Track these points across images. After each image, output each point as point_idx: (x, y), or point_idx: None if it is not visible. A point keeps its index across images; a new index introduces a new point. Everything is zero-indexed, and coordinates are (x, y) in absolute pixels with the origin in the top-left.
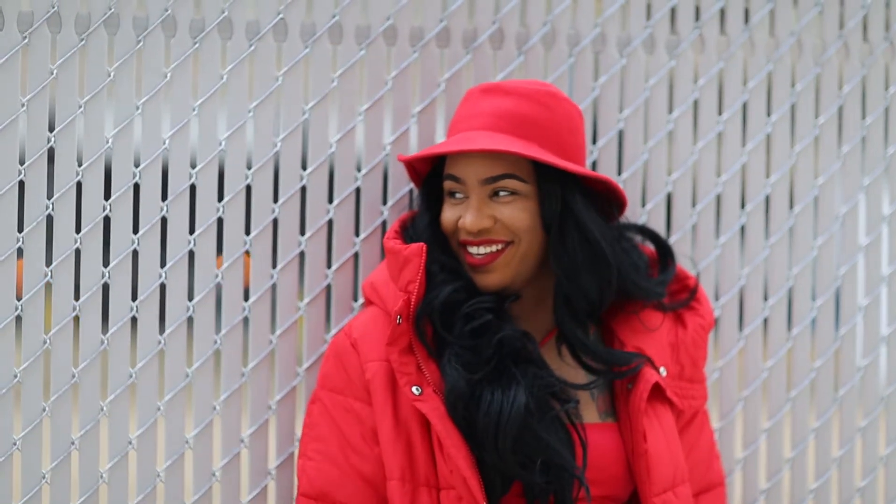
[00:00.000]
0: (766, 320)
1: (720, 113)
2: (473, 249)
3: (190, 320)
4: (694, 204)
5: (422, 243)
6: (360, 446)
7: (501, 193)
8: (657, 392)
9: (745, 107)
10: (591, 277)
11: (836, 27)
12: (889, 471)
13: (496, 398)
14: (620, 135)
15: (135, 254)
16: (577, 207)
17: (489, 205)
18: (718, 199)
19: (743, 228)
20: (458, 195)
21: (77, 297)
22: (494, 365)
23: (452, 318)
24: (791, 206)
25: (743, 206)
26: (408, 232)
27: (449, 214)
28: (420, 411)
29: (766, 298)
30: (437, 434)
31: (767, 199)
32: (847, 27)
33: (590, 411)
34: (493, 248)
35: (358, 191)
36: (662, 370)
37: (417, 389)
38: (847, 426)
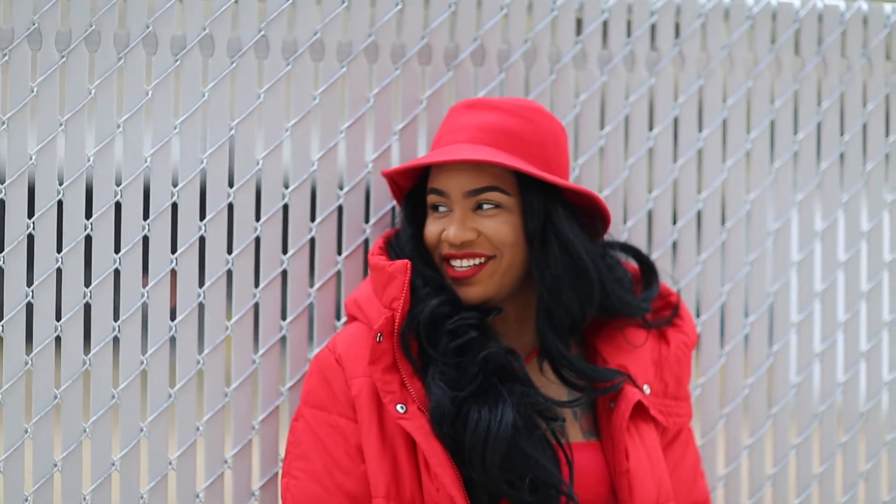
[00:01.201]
0: (746, 337)
1: (700, 130)
2: (456, 263)
3: (172, 340)
4: (675, 221)
5: (406, 260)
6: (345, 464)
7: (485, 206)
8: (640, 410)
9: (724, 124)
10: (573, 292)
11: (721, 39)
12: (870, 484)
13: (483, 416)
14: (601, 152)
15: (116, 273)
16: (560, 222)
17: (473, 218)
18: (699, 215)
19: (724, 245)
20: (441, 208)
21: (59, 318)
22: (480, 382)
23: (438, 333)
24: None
25: (723, 222)
26: (392, 248)
27: (432, 228)
28: (405, 429)
29: (746, 315)
30: (423, 453)
31: (748, 216)
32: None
33: (573, 430)
34: (476, 261)
35: (340, 209)
36: (646, 388)
37: (402, 407)
38: (810, 440)
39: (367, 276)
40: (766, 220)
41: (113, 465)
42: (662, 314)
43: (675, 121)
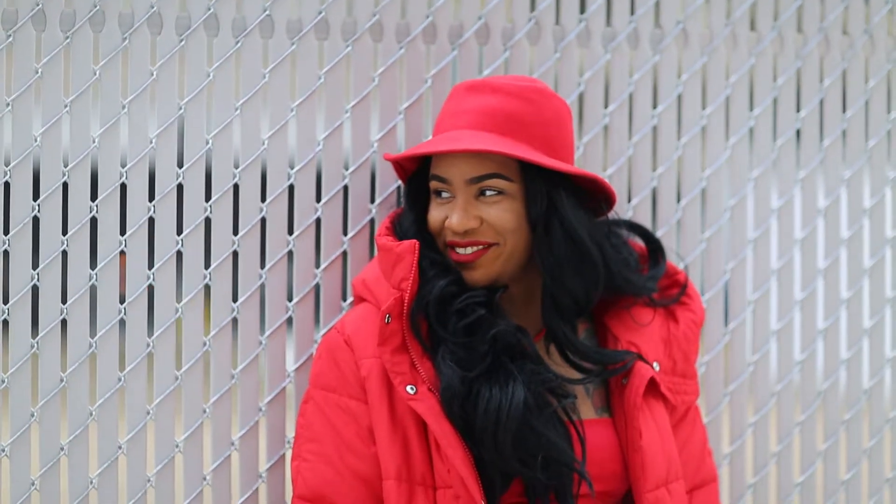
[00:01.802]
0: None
1: (704, 107)
2: (460, 250)
3: (178, 323)
4: (679, 199)
5: (414, 240)
6: (356, 445)
7: (488, 193)
8: (651, 387)
9: (727, 101)
10: (577, 277)
11: (724, 17)
12: (873, 462)
13: (494, 395)
14: (605, 130)
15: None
16: (563, 206)
17: (475, 205)
18: (703, 193)
19: (728, 222)
20: (444, 195)
21: (64, 301)
22: (490, 361)
23: (446, 313)
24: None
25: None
26: (397, 229)
27: (436, 214)
28: (415, 410)
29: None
30: (434, 433)
31: (753, 193)
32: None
33: (585, 407)
34: (479, 246)
35: (346, 189)
36: (655, 365)
37: (412, 388)
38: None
39: (374, 257)
40: (769, 197)
41: (119, 448)
42: (670, 292)
43: (679, 98)
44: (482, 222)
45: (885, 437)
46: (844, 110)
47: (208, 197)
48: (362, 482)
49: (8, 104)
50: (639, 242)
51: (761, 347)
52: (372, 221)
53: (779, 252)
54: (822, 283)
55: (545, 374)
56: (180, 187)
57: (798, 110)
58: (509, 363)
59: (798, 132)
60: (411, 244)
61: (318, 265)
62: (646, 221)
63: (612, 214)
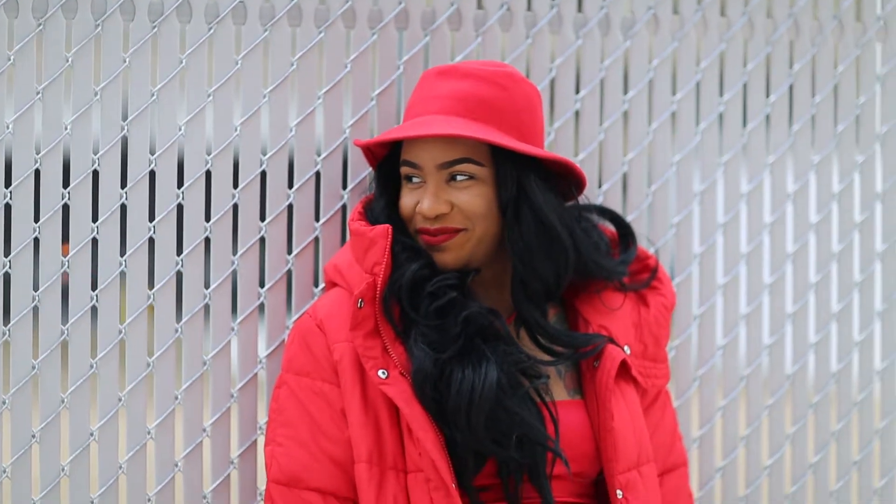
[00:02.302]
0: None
1: (674, 93)
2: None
3: (151, 309)
4: (649, 184)
5: (387, 225)
6: (330, 429)
7: (459, 178)
8: (623, 370)
9: (697, 86)
10: (547, 261)
11: (695, 2)
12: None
13: (467, 376)
14: (577, 115)
15: (93, 242)
16: (533, 191)
17: (446, 190)
18: (673, 178)
19: (699, 207)
20: (415, 180)
21: (36, 288)
22: (462, 343)
23: (419, 296)
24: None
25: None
26: (369, 215)
27: (407, 200)
28: (387, 395)
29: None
30: (405, 417)
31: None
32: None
33: (558, 388)
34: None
35: (318, 175)
36: (626, 349)
37: (384, 373)
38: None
39: (346, 242)
40: (739, 182)
41: (91, 435)
42: (640, 277)
43: (650, 84)
44: (453, 207)
45: (853, 420)
46: (814, 95)
47: (181, 184)
48: (337, 466)
49: None
50: (609, 227)
51: (731, 332)
52: (344, 207)
53: (748, 237)
54: (791, 268)
55: (517, 354)
56: (152, 174)
57: (768, 95)
58: (482, 344)
59: (768, 117)
60: (384, 229)
61: (290, 251)
62: (616, 206)
63: (582, 199)
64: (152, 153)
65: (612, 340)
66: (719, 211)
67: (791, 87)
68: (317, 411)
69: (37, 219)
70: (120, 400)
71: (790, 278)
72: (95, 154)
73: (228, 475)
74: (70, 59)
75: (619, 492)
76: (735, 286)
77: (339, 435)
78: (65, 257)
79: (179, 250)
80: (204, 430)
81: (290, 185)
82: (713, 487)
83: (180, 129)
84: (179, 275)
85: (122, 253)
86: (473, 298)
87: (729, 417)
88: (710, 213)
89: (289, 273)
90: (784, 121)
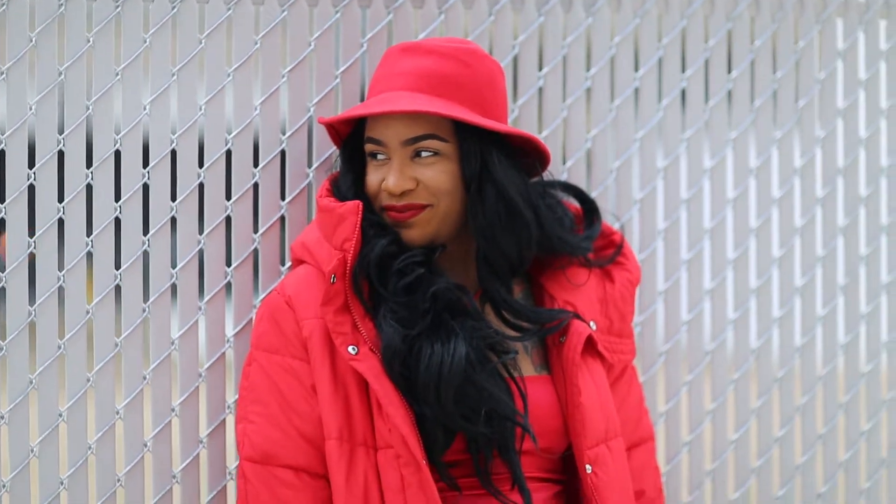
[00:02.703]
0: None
1: (636, 69)
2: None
3: (117, 289)
4: (613, 160)
5: (357, 202)
6: (301, 406)
7: (423, 154)
8: (589, 346)
9: (660, 62)
10: (510, 237)
11: None
12: (806, 419)
13: (436, 351)
14: (540, 92)
15: (60, 222)
16: (496, 167)
17: (411, 166)
18: (638, 154)
19: (662, 183)
20: (380, 157)
21: (3, 269)
22: (431, 319)
23: (387, 272)
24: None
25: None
26: (336, 192)
27: (372, 177)
28: (357, 370)
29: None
30: (375, 393)
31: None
32: None
33: (525, 364)
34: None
35: (283, 153)
36: (592, 324)
37: (353, 349)
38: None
39: (312, 220)
40: (702, 158)
41: (60, 416)
42: (605, 253)
43: (612, 61)
44: (418, 183)
45: (818, 395)
46: (775, 71)
47: (146, 163)
48: (309, 442)
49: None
50: (574, 203)
51: (695, 307)
52: (310, 185)
53: (711, 212)
54: (755, 243)
55: (486, 330)
56: (118, 154)
57: (729, 72)
58: (450, 320)
59: (729, 93)
60: (354, 205)
61: (256, 230)
62: (581, 183)
63: (546, 175)
64: (117, 133)
65: (577, 316)
66: (682, 187)
67: (752, 63)
68: (287, 388)
69: (2, 199)
70: (88, 380)
71: (754, 253)
72: (61, 134)
73: (198, 454)
74: (34, 40)
75: (588, 467)
76: (699, 262)
77: (311, 412)
78: (88, 237)
79: (146, 230)
80: (172, 410)
81: (256, 164)
82: (680, 462)
83: (145, 109)
84: (146, 255)
85: (89, 233)
86: (441, 274)
87: (694, 393)
88: (673, 189)
89: (255, 252)
90: (746, 97)
